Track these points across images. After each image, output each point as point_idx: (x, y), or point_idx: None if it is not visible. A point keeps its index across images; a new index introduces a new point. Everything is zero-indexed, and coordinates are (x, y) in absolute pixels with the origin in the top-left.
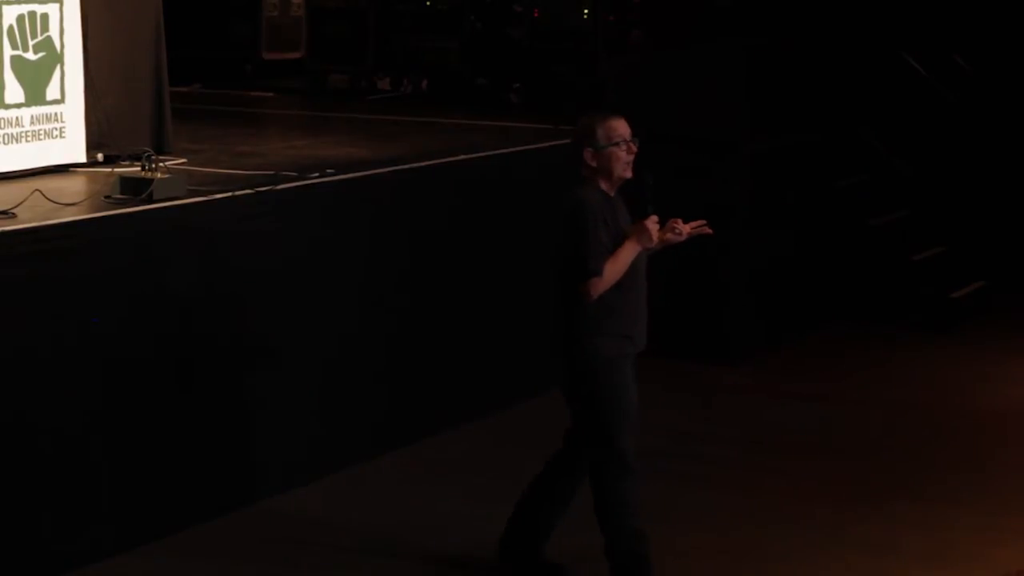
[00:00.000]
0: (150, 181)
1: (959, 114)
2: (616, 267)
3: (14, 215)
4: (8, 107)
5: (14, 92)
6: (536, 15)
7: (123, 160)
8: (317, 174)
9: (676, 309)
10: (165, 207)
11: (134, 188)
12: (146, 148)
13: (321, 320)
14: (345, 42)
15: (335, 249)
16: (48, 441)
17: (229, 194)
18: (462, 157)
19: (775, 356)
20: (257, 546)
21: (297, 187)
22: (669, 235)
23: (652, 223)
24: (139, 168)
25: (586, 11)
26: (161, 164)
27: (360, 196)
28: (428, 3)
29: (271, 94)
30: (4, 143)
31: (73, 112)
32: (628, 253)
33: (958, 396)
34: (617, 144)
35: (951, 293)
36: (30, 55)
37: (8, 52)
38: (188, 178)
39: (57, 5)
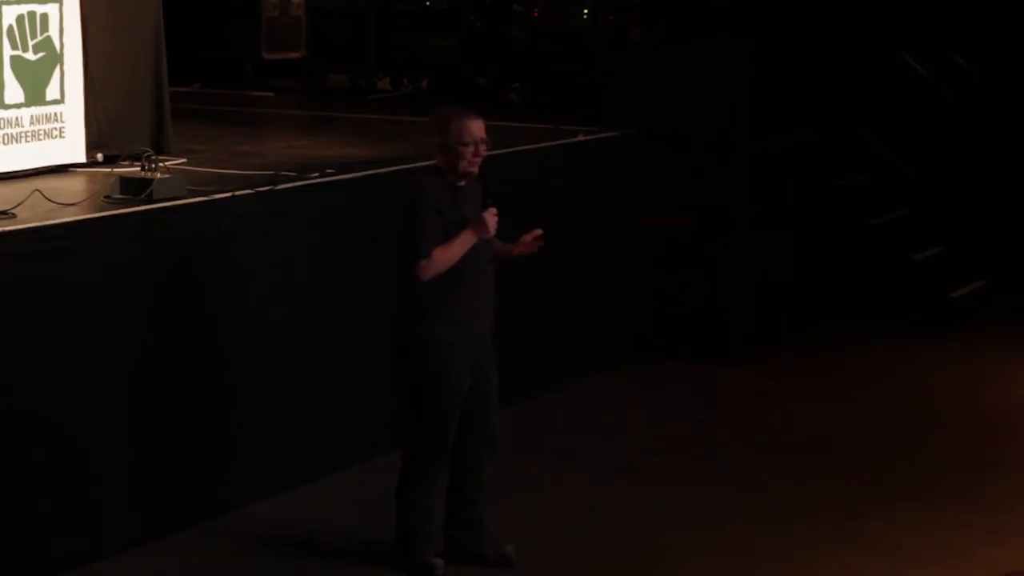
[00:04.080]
0: (150, 181)
1: (959, 114)
2: (449, 253)
3: (14, 215)
4: (8, 107)
5: (14, 92)
6: (536, 15)
7: (123, 160)
8: (317, 174)
9: (676, 309)
10: (165, 207)
11: (134, 188)
12: (146, 148)
13: (321, 320)
14: (345, 42)
15: (335, 249)
16: (47, 440)
17: (229, 194)
18: None
19: (775, 356)
20: (257, 547)
21: (297, 187)
22: (518, 247)
23: (490, 215)
24: (139, 168)
25: (586, 11)
26: (161, 164)
27: (360, 196)
28: (428, 3)
29: (271, 94)
30: (4, 143)
31: (73, 112)
32: (462, 241)
33: (958, 396)
34: (466, 144)
35: (951, 293)
36: (30, 55)
37: (8, 52)
38: (188, 178)
39: (57, 5)
